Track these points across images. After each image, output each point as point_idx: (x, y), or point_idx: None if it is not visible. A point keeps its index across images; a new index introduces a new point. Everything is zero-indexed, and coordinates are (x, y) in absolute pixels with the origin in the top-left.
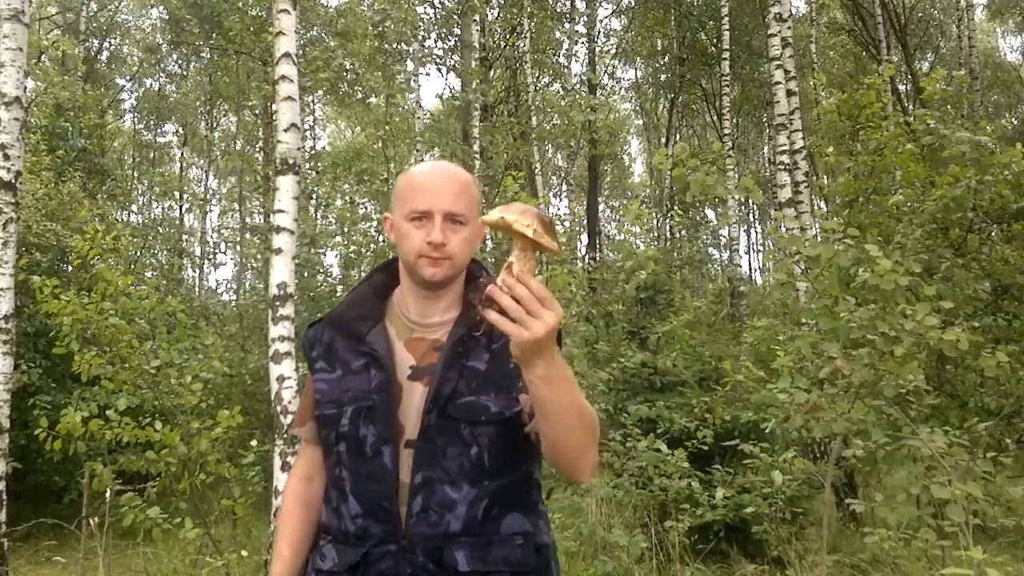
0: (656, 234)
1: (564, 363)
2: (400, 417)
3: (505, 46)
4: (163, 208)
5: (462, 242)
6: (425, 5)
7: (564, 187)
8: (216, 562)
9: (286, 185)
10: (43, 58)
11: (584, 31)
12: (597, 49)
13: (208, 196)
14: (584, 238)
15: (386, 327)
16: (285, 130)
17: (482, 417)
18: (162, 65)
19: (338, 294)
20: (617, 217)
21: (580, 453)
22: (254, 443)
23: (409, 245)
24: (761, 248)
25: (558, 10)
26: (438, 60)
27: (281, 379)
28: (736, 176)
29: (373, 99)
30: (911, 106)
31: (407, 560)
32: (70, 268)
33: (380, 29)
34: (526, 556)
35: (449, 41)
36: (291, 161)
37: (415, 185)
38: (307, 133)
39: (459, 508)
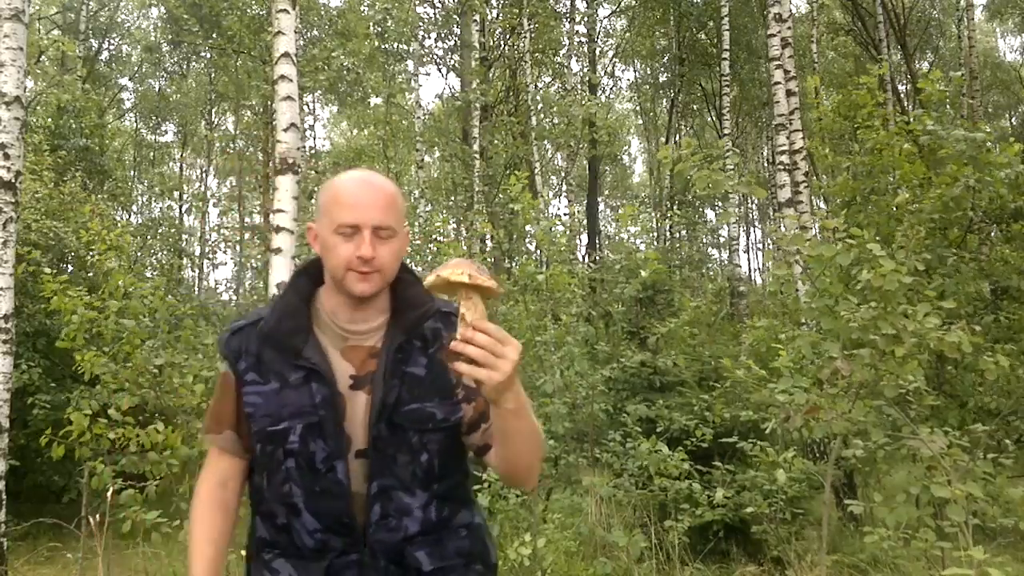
0: (656, 234)
1: (524, 395)
2: (346, 428)
3: (505, 46)
4: (163, 208)
5: (391, 254)
6: (425, 5)
7: (564, 187)
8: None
9: (285, 185)
10: (43, 58)
11: (584, 31)
12: (597, 49)
13: (208, 196)
14: (584, 238)
15: (317, 337)
16: (284, 130)
17: (429, 424)
18: (162, 65)
19: None
20: (617, 217)
21: (532, 467)
22: None
23: (337, 259)
24: (760, 248)
25: (558, 10)
26: (438, 60)
27: None
28: (736, 175)
29: (374, 99)
30: (911, 106)
31: (371, 568)
32: (70, 268)
33: (380, 29)
34: (473, 545)
35: (449, 41)
36: (291, 161)
37: (342, 199)
38: (307, 133)
39: (415, 512)
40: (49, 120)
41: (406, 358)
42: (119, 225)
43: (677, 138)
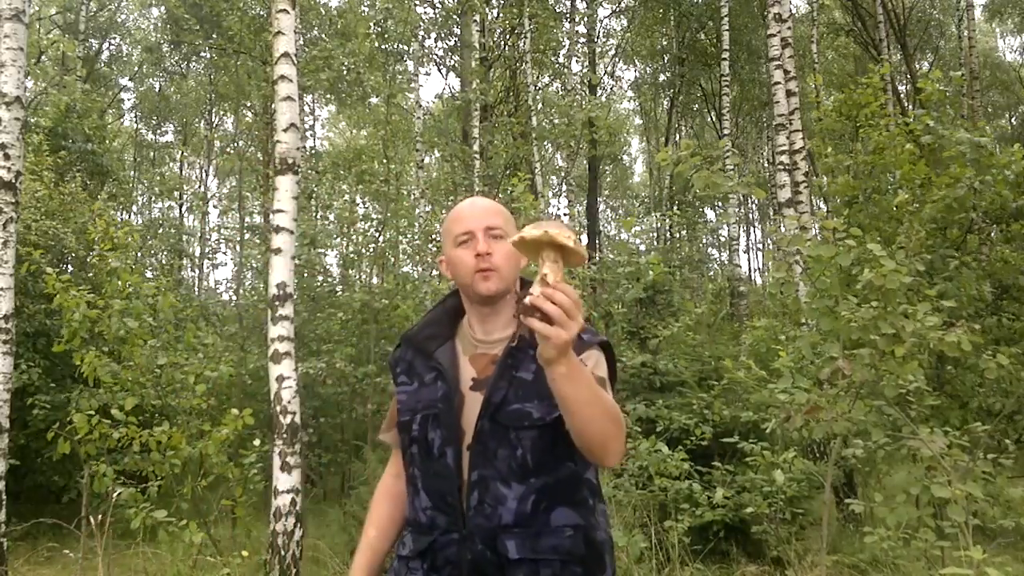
0: (656, 234)
1: (579, 361)
2: (463, 423)
3: (505, 46)
4: (163, 208)
5: (505, 255)
6: (425, 5)
7: (564, 187)
8: (221, 568)
9: (285, 185)
10: (43, 58)
11: (584, 31)
12: (597, 49)
13: (208, 196)
14: (584, 238)
15: (455, 344)
16: (284, 130)
17: (525, 422)
18: (162, 65)
19: (338, 294)
20: (617, 217)
21: (604, 441)
22: (256, 443)
23: (463, 267)
24: (760, 248)
25: (558, 10)
26: (438, 60)
27: (280, 379)
28: (736, 175)
29: (374, 99)
30: (911, 106)
31: (467, 548)
32: (70, 268)
33: (380, 29)
34: (575, 546)
35: (449, 41)
36: (290, 161)
37: (455, 217)
38: (307, 133)
39: (509, 503)
40: (50, 120)
41: (516, 364)
42: (123, 224)
43: (677, 138)
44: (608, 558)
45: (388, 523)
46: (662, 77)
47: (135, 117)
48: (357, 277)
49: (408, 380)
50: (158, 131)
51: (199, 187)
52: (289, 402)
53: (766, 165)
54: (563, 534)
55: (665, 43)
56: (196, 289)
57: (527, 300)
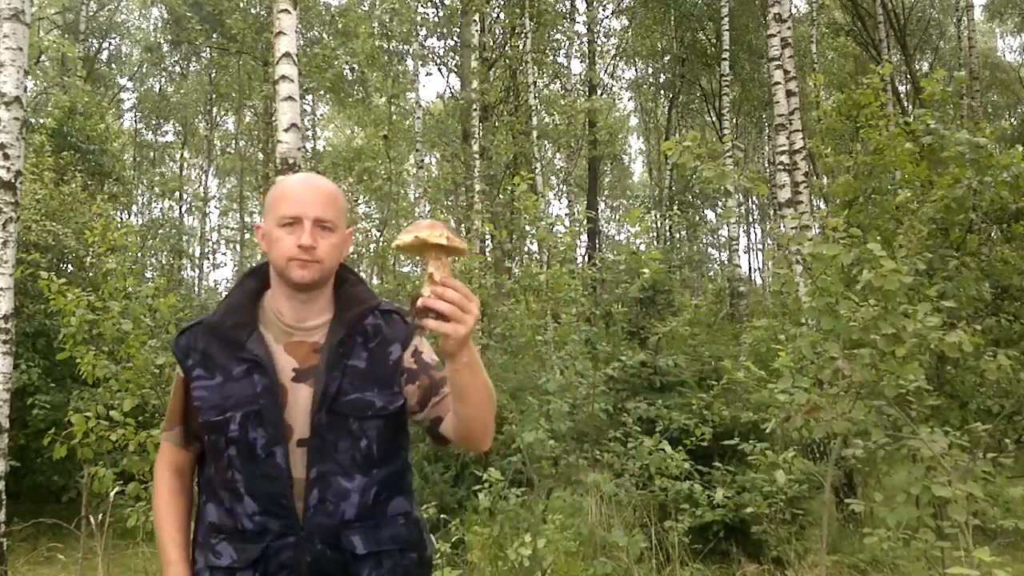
0: (656, 234)
1: (475, 349)
2: (287, 418)
3: (506, 46)
4: (163, 208)
5: (331, 247)
6: (427, 5)
7: (564, 187)
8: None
9: None
10: (43, 58)
11: (584, 31)
12: (597, 49)
13: (208, 196)
14: (584, 238)
15: (262, 333)
16: (285, 130)
17: (368, 412)
18: (162, 65)
19: None
20: (617, 217)
21: (487, 425)
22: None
23: (280, 250)
24: (760, 248)
25: (558, 10)
26: (438, 60)
27: None
28: (739, 172)
29: (377, 99)
30: (910, 106)
31: (306, 549)
32: (70, 269)
33: (386, 30)
34: (409, 533)
35: (450, 41)
36: (291, 161)
37: (286, 194)
38: (307, 133)
39: (353, 497)
40: (51, 120)
41: (347, 352)
42: (123, 226)
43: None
44: (426, 535)
45: (185, 531)
46: (662, 77)
47: (135, 117)
48: None
49: (207, 374)
50: (158, 131)
51: (199, 187)
52: None
53: (766, 165)
54: (398, 523)
55: (665, 43)
56: (196, 289)
57: (419, 303)
